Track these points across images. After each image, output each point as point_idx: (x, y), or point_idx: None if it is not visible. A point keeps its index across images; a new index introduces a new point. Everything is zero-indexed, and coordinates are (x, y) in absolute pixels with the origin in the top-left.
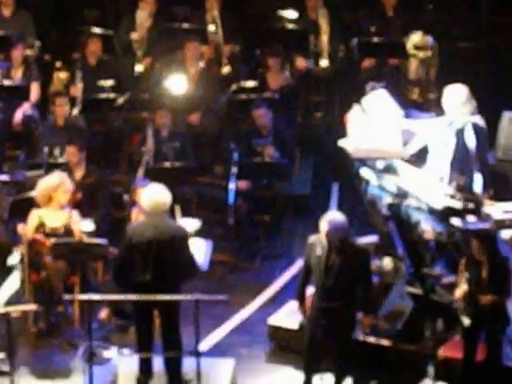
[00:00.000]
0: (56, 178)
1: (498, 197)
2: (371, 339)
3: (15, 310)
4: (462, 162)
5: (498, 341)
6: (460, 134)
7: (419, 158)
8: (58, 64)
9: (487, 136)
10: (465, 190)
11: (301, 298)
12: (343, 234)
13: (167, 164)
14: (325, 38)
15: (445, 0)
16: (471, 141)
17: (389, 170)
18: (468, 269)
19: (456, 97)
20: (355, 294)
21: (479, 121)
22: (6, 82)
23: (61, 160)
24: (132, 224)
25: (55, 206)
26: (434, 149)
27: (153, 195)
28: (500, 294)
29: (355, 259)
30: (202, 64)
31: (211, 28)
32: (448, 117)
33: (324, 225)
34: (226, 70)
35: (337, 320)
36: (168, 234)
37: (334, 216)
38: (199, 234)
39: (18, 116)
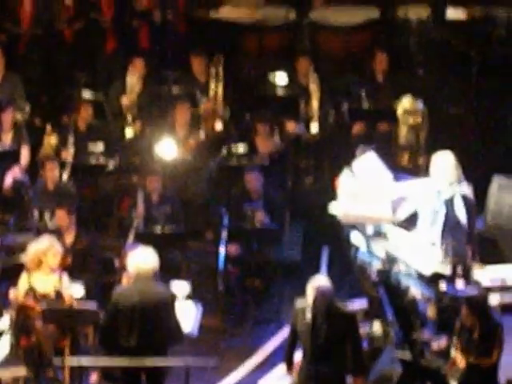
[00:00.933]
0: (45, 241)
1: (487, 262)
2: None
3: (5, 374)
4: (451, 230)
5: None
6: (449, 203)
7: (410, 221)
8: (49, 128)
9: (475, 206)
10: (454, 256)
11: (288, 362)
12: (329, 299)
13: (157, 229)
14: (315, 103)
15: (435, 65)
16: (461, 212)
17: (378, 234)
18: (459, 334)
19: (443, 164)
20: (344, 357)
21: (467, 191)
22: None
23: (51, 224)
24: (118, 288)
25: (45, 270)
26: (424, 215)
27: (139, 259)
28: (489, 359)
29: (342, 324)
30: (202, 135)
31: (212, 85)
32: (436, 184)
33: (310, 291)
34: (219, 126)
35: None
36: (153, 299)
37: (319, 281)
38: (189, 297)
39: (8, 180)
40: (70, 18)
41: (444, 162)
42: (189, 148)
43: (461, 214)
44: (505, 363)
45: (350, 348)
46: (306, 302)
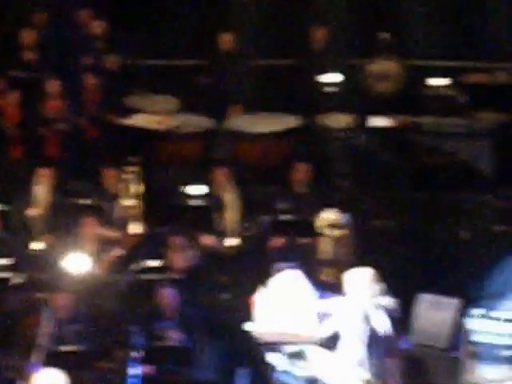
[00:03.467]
0: None
1: (413, 381)
2: None
3: None
4: (374, 347)
5: None
6: (370, 319)
7: (332, 341)
8: None
9: (398, 319)
10: (379, 375)
11: None
12: None
13: (65, 348)
14: (231, 215)
15: (359, 175)
16: (383, 326)
17: (298, 354)
18: None
19: (361, 280)
20: None
21: (390, 303)
22: None
23: None
24: None
25: None
26: (346, 333)
27: (45, 382)
28: None
29: None
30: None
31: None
32: (357, 299)
33: None
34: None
35: None
36: None
37: None
38: None
39: None
40: None
41: (363, 277)
42: (102, 264)
43: (383, 328)
44: None
45: None
46: None
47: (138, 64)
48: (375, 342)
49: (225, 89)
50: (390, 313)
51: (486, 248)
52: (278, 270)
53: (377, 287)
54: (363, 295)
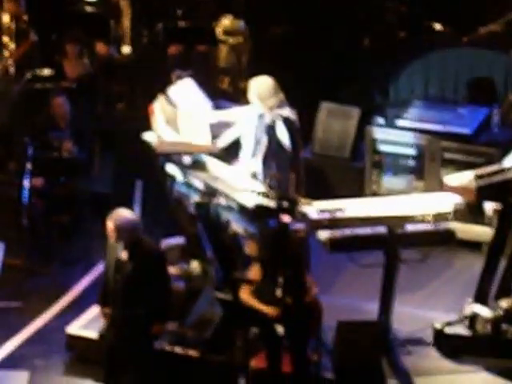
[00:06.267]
0: None
1: (315, 193)
2: (177, 349)
3: None
4: (274, 159)
5: (303, 349)
6: (271, 129)
7: (229, 152)
8: None
9: (299, 130)
10: (279, 187)
11: (102, 303)
12: (132, 234)
13: None
14: (127, 23)
15: None
16: (283, 137)
17: (196, 165)
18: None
19: (261, 89)
20: (149, 299)
21: (290, 114)
22: None
23: None
24: None
25: None
26: (244, 144)
27: None
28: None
29: (147, 262)
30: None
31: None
32: (256, 110)
33: (110, 224)
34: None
35: (132, 329)
36: None
37: (121, 214)
38: None
39: None
40: None
41: (262, 86)
42: None
43: (284, 139)
44: (336, 305)
45: (155, 289)
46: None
47: None
48: (276, 151)
49: None
50: (291, 119)
51: (389, 55)
52: (176, 79)
53: (279, 96)
54: (264, 105)
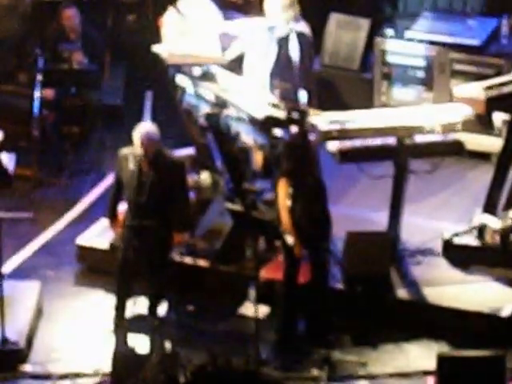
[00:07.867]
0: None
1: (324, 104)
2: (188, 260)
3: None
4: (284, 71)
5: (324, 260)
6: (283, 42)
7: (239, 64)
8: None
9: (312, 45)
10: (288, 98)
11: (111, 216)
12: (157, 146)
13: None
14: None
15: None
16: (295, 51)
17: (206, 76)
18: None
19: (278, 1)
20: (169, 211)
21: (304, 29)
22: None
23: None
24: None
25: None
26: (254, 55)
27: None
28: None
29: (169, 173)
30: None
31: None
32: (269, 22)
33: (137, 137)
34: None
35: (150, 239)
36: None
37: (147, 127)
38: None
39: None
40: None
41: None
42: None
43: (294, 53)
44: (345, 216)
45: (176, 202)
46: (131, 149)
47: None
48: (286, 63)
49: None
50: (305, 33)
51: None
52: None
53: (294, 9)
54: (280, 16)
